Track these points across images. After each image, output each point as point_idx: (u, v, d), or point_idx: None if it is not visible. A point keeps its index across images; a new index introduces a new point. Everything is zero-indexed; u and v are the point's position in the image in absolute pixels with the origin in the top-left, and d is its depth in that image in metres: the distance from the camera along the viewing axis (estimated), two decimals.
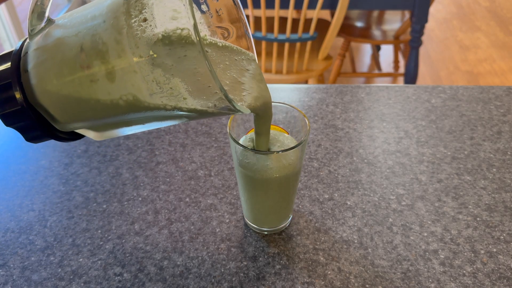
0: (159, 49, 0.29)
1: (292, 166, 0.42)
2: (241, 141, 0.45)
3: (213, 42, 0.37)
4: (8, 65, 0.35)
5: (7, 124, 0.36)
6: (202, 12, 0.37)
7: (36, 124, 0.36)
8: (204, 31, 0.37)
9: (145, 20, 0.29)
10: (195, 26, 0.27)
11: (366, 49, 2.51)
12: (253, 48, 0.39)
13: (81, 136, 0.40)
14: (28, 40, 0.36)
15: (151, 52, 0.29)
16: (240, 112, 0.32)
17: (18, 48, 0.36)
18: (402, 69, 2.26)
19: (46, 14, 0.35)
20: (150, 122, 0.36)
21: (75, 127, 0.37)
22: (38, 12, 0.35)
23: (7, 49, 2.14)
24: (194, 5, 0.35)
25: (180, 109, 0.32)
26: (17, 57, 0.35)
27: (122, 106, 0.32)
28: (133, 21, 0.30)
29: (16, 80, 0.34)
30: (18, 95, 0.34)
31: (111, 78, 0.31)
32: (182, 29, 0.29)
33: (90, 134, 0.39)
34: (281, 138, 0.44)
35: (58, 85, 0.33)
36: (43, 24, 0.35)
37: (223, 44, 0.37)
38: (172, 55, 0.29)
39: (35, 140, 0.38)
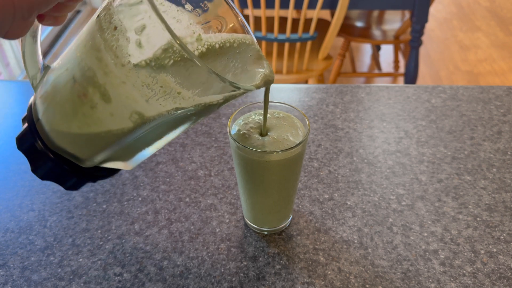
0: (134, 50, 0.30)
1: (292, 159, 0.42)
2: (238, 122, 0.45)
3: (210, 47, 0.36)
4: (26, 121, 0.37)
5: (43, 178, 0.38)
6: (188, 11, 0.36)
7: (67, 170, 0.37)
8: (198, 31, 0.36)
9: (115, 28, 0.30)
10: (160, 15, 0.27)
11: (366, 49, 2.51)
12: (247, 27, 0.38)
13: (116, 171, 0.41)
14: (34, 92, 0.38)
15: (129, 56, 0.30)
16: (244, 90, 0.32)
17: (31, 101, 0.38)
18: (402, 69, 2.26)
19: (40, 63, 0.37)
20: (165, 133, 0.36)
21: (98, 160, 0.38)
22: (32, 65, 0.37)
23: (7, 49, 2.12)
24: (180, 7, 0.36)
25: (181, 107, 0.32)
26: (29, 109, 0.37)
27: (128, 123, 0.33)
28: (106, 34, 0.30)
29: (34, 132, 0.36)
30: (39, 145, 0.36)
31: (107, 98, 0.32)
32: (150, 25, 0.29)
33: (118, 165, 0.40)
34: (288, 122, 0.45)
35: (66, 122, 0.35)
36: (41, 73, 0.37)
37: (220, 45, 0.37)
38: (147, 53, 0.30)
39: (74, 187, 0.39)
